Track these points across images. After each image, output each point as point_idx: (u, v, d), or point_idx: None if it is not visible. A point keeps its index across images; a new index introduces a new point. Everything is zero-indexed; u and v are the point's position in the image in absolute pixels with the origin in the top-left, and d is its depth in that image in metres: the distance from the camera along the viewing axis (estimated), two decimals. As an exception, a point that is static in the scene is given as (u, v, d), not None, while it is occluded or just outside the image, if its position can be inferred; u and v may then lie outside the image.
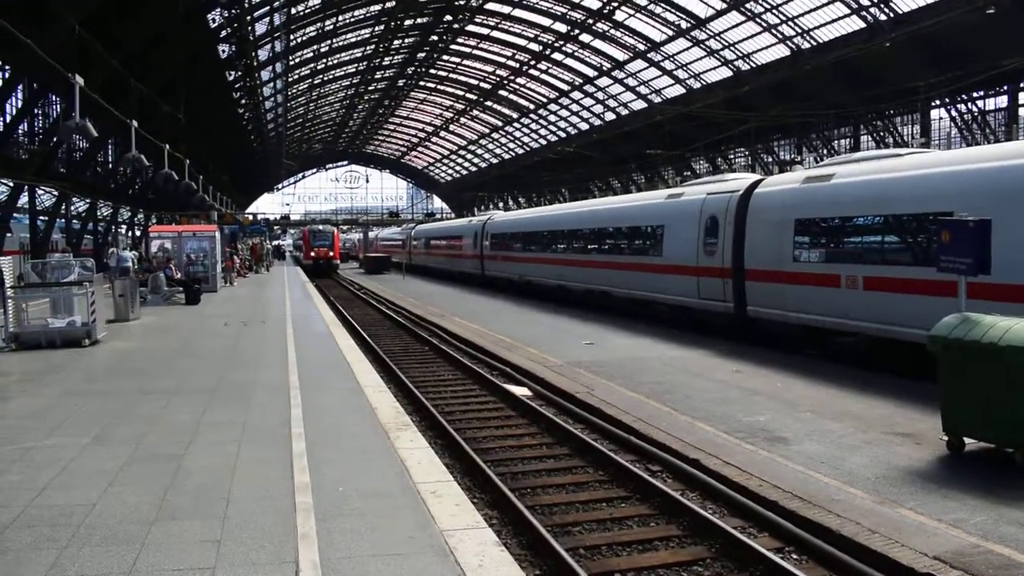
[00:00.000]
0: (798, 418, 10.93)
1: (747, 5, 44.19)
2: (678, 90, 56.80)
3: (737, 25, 46.87)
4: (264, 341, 16.66)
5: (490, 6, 57.98)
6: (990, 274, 9.76)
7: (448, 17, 60.36)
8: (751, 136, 51.58)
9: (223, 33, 39.40)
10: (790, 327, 16.91)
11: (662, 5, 49.05)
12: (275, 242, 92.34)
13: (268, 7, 42.42)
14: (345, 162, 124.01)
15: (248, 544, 5.55)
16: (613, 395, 12.74)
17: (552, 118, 77.90)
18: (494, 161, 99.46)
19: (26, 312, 16.19)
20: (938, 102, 43.09)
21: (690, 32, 49.78)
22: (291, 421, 9.12)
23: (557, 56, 63.75)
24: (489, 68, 72.30)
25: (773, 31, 45.15)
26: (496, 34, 63.68)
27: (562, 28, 57.80)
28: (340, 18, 55.93)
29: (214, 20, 37.18)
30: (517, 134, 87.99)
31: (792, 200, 16.95)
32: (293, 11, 48.10)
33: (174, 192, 41.14)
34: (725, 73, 51.38)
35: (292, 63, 60.13)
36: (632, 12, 51.48)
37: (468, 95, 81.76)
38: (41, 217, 46.68)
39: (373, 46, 65.95)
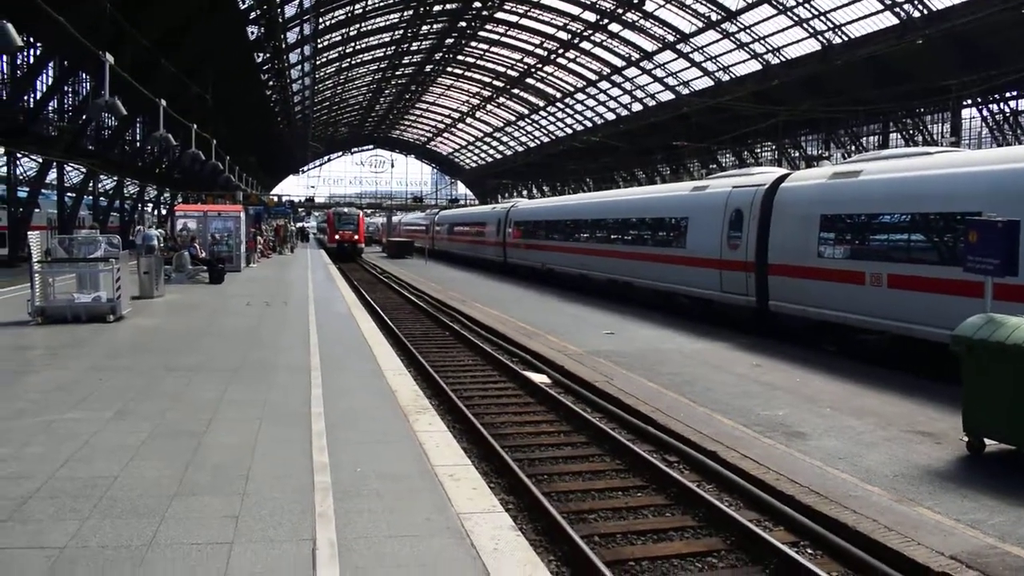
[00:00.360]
0: (817, 413, 10.89)
1: (779, -2, 43.87)
2: (706, 82, 56.45)
3: (768, 18, 46.50)
4: (286, 322, 16.76)
5: (519, -6, 57.93)
6: (1017, 275, 9.67)
7: (477, 4, 60.25)
8: (778, 130, 51.20)
9: (252, 15, 39.54)
10: (812, 323, 16.81)
11: (693, -4, 48.79)
12: (299, 224, 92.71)
13: (298, -11, 42.54)
14: (371, 146, 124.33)
15: (266, 520, 5.60)
16: (632, 385, 12.73)
17: (579, 107, 77.67)
18: (519, 149, 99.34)
19: (52, 287, 16.35)
20: (969, 101, 42.61)
21: (720, 24, 49.44)
22: (311, 401, 9.18)
23: (585, 45, 63.48)
24: (517, 56, 72.13)
25: (804, 25, 44.76)
26: (525, 21, 63.48)
27: (591, 17, 57.52)
28: (369, 2, 55.96)
29: (243, 1, 37.33)
30: (543, 122, 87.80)
31: (818, 195, 16.82)
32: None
33: (200, 172, 41.51)
34: (754, 66, 51.03)
35: (320, 46, 60.28)
36: (662, 3, 51.19)
37: (495, 82, 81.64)
38: (69, 194, 47.24)
39: (401, 31, 65.98)
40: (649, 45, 57.93)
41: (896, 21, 39.90)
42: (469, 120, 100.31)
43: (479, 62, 77.75)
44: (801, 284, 16.81)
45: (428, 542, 5.34)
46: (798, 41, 46.71)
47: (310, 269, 35.58)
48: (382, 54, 73.91)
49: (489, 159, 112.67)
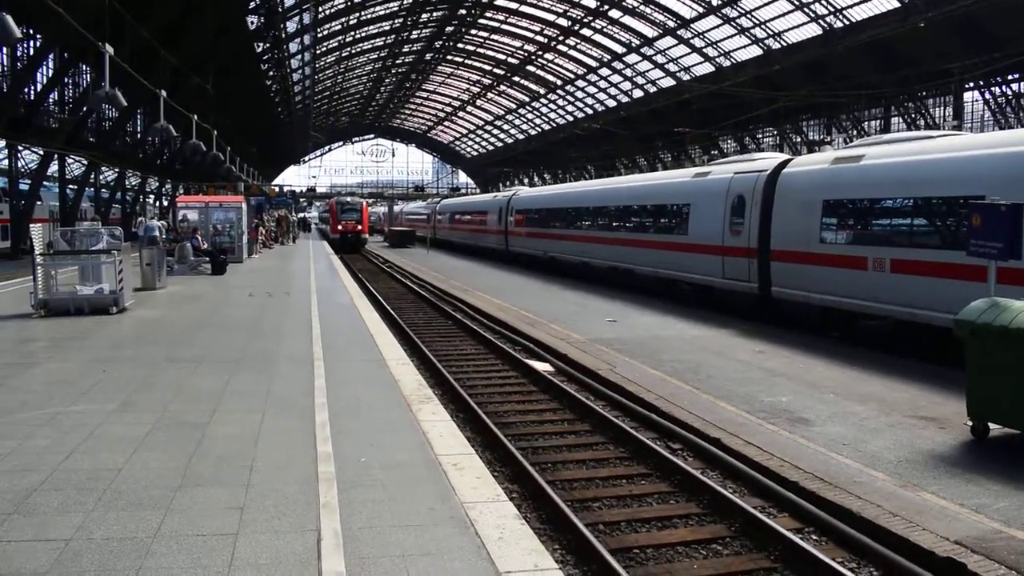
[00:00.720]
0: (820, 399, 10.88)
1: (779, -18, 43.72)
2: (707, 68, 56.26)
3: (769, 3, 46.29)
4: (288, 312, 16.76)
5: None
6: (1021, 259, 9.64)
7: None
8: (780, 116, 51.05)
9: (252, 4, 39.44)
10: (814, 309, 16.79)
11: (693, -19, 48.63)
12: (301, 214, 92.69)
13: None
14: (371, 135, 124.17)
15: (271, 512, 5.61)
16: (635, 372, 12.73)
17: (579, 94, 77.47)
18: (520, 137, 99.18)
19: (55, 279, 16.37)
20: (971, 85, 42.45)
21: (721, 9, 49.25)
22: (314, 392, 9.18)
23: (585, 32, 63.27)
24: (516, 43, 71.92)
25: (805, 9, 44.57)
26: (524, 8, 63.24)
27: (591, 3, 57.32)
28: (369, -9, 55.85)
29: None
30: (544, 110, 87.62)
31: (820, 181, 16.78)
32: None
33: (201, 163, 41.49)
34: (755, 52, 50.83)
35: (320, 35, 60.14)
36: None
37: (495, 70, 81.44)
38: (71, 186, 47.22)
39: (401, 19, 65.80)
40: (649, 31, 57.73)
41: (898, 4, 39.68)
42: (470, 108, 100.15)
43: (479, 50, 77.53)
44: (804, 270, 16.78)
45: (432, 531, 5.35)
46: (799, 25, 46.52)
47: (312, 259, 35.57)
48: (382, 43, 73.74)
49: (490, 147, 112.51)
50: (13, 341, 12.85)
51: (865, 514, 6.90)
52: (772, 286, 17.94)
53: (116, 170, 54.24)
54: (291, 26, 49.02)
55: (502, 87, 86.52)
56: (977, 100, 44.63)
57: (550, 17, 63.15)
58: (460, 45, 76.55)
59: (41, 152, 40.67)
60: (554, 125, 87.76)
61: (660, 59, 60.28)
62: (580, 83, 74.74)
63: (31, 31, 32.34)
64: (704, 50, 55.08)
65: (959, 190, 13.18)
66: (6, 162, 43.00)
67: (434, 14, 66.16)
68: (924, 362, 13.46)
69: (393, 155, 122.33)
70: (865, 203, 15.59)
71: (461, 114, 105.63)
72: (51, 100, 40.28)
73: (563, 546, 6.87)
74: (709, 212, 20.59)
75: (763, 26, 48.46)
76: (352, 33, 66.47)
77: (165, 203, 68.16)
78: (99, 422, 7.83)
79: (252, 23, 41.70)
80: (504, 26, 68.50)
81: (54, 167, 44.09)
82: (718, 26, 51.58)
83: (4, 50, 34.14)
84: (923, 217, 14.46)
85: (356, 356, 11.75)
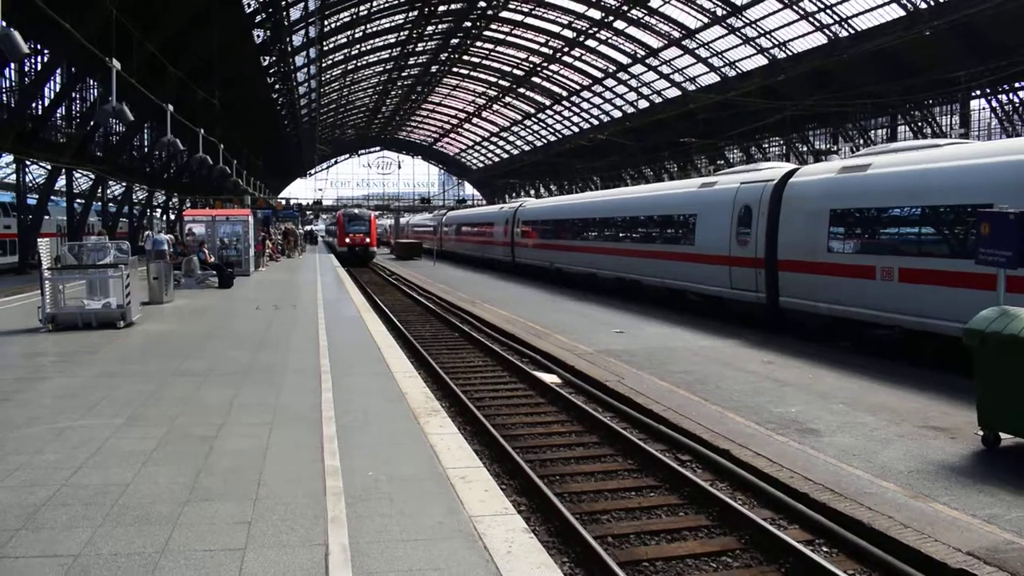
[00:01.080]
0: (830, 410, 10.83)
1: (784, -8, 43.73)
2: (713, 78, 56.28)
3: (774, 12, 46.29)
4: (296, 325, 16.76)
5: (523, -7, 57.88)
6: (1031, 268, 9.60)
7: (482, 3, 60.21)
8: (786, 125, 51.05)
9: (258, 18, 39.62)
10: (823, 318, 16.74)
11: (698, -8, 48.68)
12: (307, 227, 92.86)
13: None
14: (377, 148, 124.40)
15: (278, 526, 5.59)
16: (643, 384, 12.69)
17: (585, 105, 77.53)
18: (526, 148, 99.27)
19: (63, 294, 16.42)
20: (978, 93, 42.38)
21: (726, 19, 49.28)
22: (322, 405, 9.16)
23: (591, 43, 63.35)
24: (522, 55, 72.02)
25: (811, 19, 44.56)
26: (530, 20, 63.36)
27: (596, 15, 57.40)
28: (374, 3, 55.98)
29: (249, 5, 37.42)
30: (550, 121, 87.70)
31: (827, 190, 16.76)
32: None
33: (208, 176, 41.62)
34: (761, 61, 50.84)
35: (326, 48, 60.34)
36: (667, -1, 51.13)
37: (501, 82, 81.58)
38: (78, 200, 47.35)
39: (407, 32, 65.96)
40: (655, 42, 57.81)
41: (903, 13, 39.69)
42: (476, 120, 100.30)
43: (485, 62, 77.69)
44: (811, 279, 16.74)
45: (440, 545, 5.32)
46: (804, 35, 46.51)
47: (319, 272, 35.61)
48: (388, 55, 73.95)
49: (496, 159, 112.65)
50: (22, 356, 12.87)
51: (876, 525, 6.85)
52: (780, 296, 17.90)
53: (123, 184, 54.42)
54: (297, 39, 49.24)
55: (508, 99, 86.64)
56: (984, 108, 44.55)
57: (555, 29, 63.28)
58: (466, 57, 76.73)
59: (48, 167, 40.86)
60: (560, 136, 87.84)
61: (665, 70, 60.35)
62: (586, 94, 74.81)
63: (38, 46, 32.52)
64: (709, 60, 55.10)
65: (967, 198, 13.15)
66: (14, 177, 43.20)
67: (440, 26, 66.36)
68: (934, 371, 13.40)
69: (399, 167, 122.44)
70: (872, 212, 15.56)
71: (467, 126, 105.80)
72: (58, 115, 40.47)
73: (572, 559, 6.84)
74: (716, 222, 20.57)
75: (768, 36, 48.48)
76: (358, 46, 66.70)
77: (172, 217, 68.34)
78: (107, 436, 7.82)
79: (258, 37, 41.88)
80: (510, 38, 68.65)
81: (61, 181, 44.28)
82: (723, 36, 51.63)
83: (12, 65, 34.31)
84: (931, 226, 14.41)
85: (363, 369, 11.74)
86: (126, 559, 5.05)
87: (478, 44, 72.33)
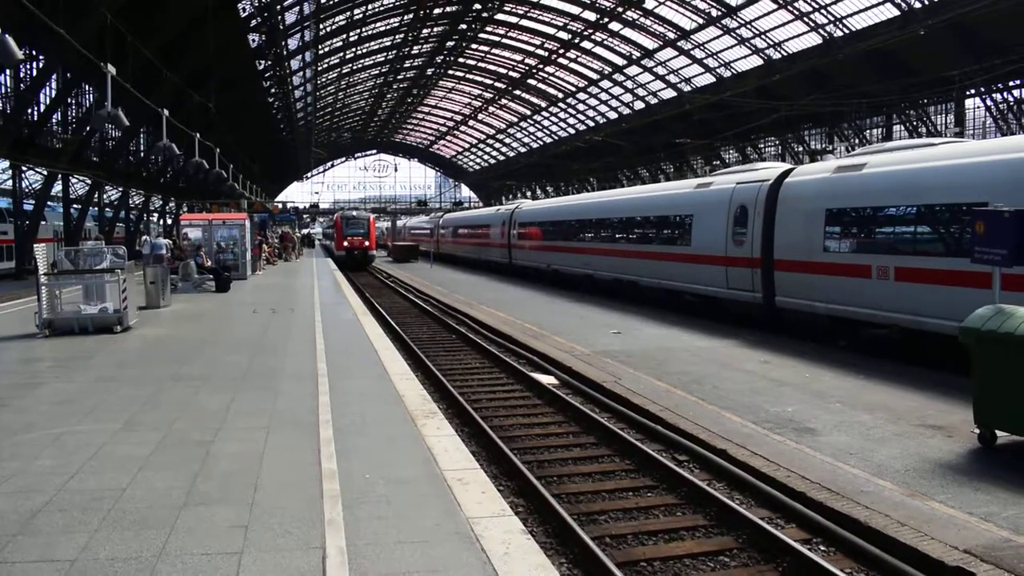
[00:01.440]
0: (827, 409, 10.84)
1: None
2: (708, 79, 56.42)
3: (769, 13, 46.46)
4: (292, 328, 16.75)
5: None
6: (1025, 265, 9.61)
7: (477, 5, 60.25)
8: (782, 125, 51.16)
9: (253, 23, 39.63)
10: (819, 318, 16.76)
11: (692, -7, 48.78)
12: (304, 230, 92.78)
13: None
14: (374, 151, 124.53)
15: (275, 530, 5.59)
16: (640, 384, 12.70)
17: (581, 107, 77.67)
18: (522, 150, 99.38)
19: (59, 299, 16.40)
20: (973, 91, 42.48)
21: (721, 20, 49.40)
22: (319, 408, 9.16)
23: (586, 44, 63.48)
24: (517, 57, 72.15)
25: (805, 19, 44.70)
26: (524, 22, 63.49)
27: (591, 16, 57.51)
28: (369, 7, 56.04)
29: (244, 10, 37.42)
30: (546, 123, 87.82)
31: (823, 190, 16.77)
32: (322, 0, 48.26)
33: (204, 180, 41.60)
34: (756, 62, 51.00)
35: (321, 52, 60.37)
36: (662, 0, 51.13)
37: (496, 84, 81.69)
38: (74, 205, 47.36)
39: (402, 35, 66.05)
40: (650, 43, 57.95)
41: (897, 12, 39.82)
42: (472, 122, 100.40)
43: (480, 64, 77.80)
44: (807, 279, 16.76)
45: (438, 547, 5.32)
46: (800, 35, 46.70)
47: (316, 276, 35.58)
48: (383, 58, 74.02)
49: (492, 161, 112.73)
50: (18, 361, 12.86)
51: (873, 524, 6.86)
52: (776, 296, 17.92)
53: (120, 189, 54.42)
54: (292, 43, 49.30)
55: (504, 101, 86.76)
56: (978, 107, 44.69)
57: (551, 31, 63.38)
58: (461, 60, 76.83)
59: (45, 172, 40.85)
60: (556, 138, 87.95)
61: (661, 71, 60.47)
62: (581, 95, 74.95)
63: (33, 52, 32.51)
64: (705, 61, 55.26)
65: (962, 197, 13.17)
66: (10, 182, 43.18)
67: (435, 29, 66.45)
68: (930, 370, 13.41)
69: (396, 170, 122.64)
70: (868, 211, 15.58)
71: (463, 128, 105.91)
72: (54, 120, 40.47)
73: (569, 560, 6.84)
74: (712, 223, 20.58)
75: (763, 36, 48.63)
76: (353, 49, 66.76)
77: (169, 221, 68.30)
78: (104, 442, 7.82)
79: (253, 41, 41.89)
80: (505, 40, 68.75)
81: (58, 187, 44.27)
82: (718, 37, 51.80)
83: (7, 71, 34.31)
84: (927, 224, 14.43)
85: (360, 372, 11.73)
86: (123, 564, 5.05)
87: (473, 47, 72.44)
